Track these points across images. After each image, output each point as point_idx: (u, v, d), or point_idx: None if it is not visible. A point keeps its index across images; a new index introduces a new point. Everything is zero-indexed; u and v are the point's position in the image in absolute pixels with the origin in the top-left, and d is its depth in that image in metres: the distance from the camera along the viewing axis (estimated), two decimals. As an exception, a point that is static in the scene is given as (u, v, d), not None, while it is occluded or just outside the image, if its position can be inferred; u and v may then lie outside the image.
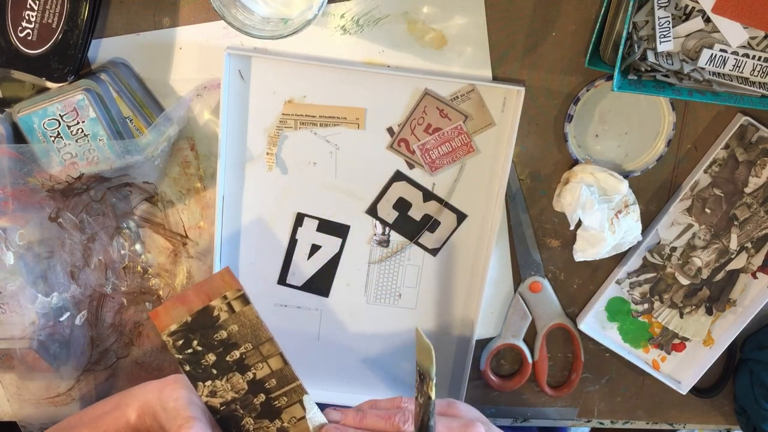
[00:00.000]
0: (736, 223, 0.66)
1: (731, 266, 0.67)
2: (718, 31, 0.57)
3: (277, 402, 0.51)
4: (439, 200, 0.65)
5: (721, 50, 0.57)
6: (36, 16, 0.56)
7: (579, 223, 0.62)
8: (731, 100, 0.58)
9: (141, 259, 0.67)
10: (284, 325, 0.69)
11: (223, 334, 0.50)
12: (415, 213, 0.66)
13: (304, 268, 0.67)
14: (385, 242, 0.67)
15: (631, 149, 0.64)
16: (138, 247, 0.67)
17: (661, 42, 0.57)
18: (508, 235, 0.67)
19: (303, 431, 0.51)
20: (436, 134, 0.63)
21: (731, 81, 0.59)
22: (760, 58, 0.58)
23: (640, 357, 0.71)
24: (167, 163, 0.64)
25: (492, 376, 0.71)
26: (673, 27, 0.57)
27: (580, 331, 0.69)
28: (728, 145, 0.63)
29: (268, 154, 0.63)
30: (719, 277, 0.68)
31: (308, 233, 0.66)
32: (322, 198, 0.65)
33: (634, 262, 0.67)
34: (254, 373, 0.51)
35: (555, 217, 0.67)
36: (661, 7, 0.56)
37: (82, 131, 0.58)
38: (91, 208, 0.64)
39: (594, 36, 0.59)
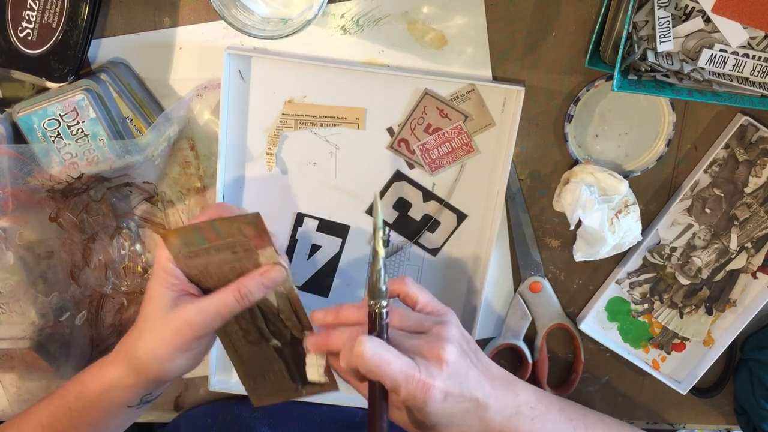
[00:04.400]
0: (736, 223, 0.66)
1: (731, 266, 0.67)
2: (718, 31, 0.57)
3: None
4: (439, 200, 0.65)
5: (721, 50, 0.57)
6: (36, 16, 0.56)
7: (579, 223, 0.62)
8: (731, 100, 0.58)
9: (141, 259, 0.67)
10: (284, 325, 0.69)
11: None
12: (415, 213, 0.66)
13: (304, 268, 0.67)
14: (385, 242, 0.67)
15: (631, 149, 0.64)
16: (138, 247, 0.67)
17: (661, 42, 0.57)
18: (508, 235, 0.67)
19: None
20: (436, 134, 0.63)
21: (731, 81, 0.59)
22: (760, 58, 0.58)
23: (640, 357, 0.71)
24: (167, 163, 0.64)
25: (492, 376, 0.71)
26: (673, 27, 0.57)
27: (580, 331, 0.69)
28: (728, 145, 0.63)
29: (268, 154, 0.63)
30: (719, 277, 0.68)
31: (308, 233, 0.66)
32: (322, 198, 0.65)
33: (634, 262, 0.67)
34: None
35: (555, 217, 0.67)
36: (661, 7, 0.56)
37: (82, 131, 0.58)
38: (91, 208, 0.64)
39: (594, 36, 0.59)
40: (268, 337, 0.57)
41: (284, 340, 0.57)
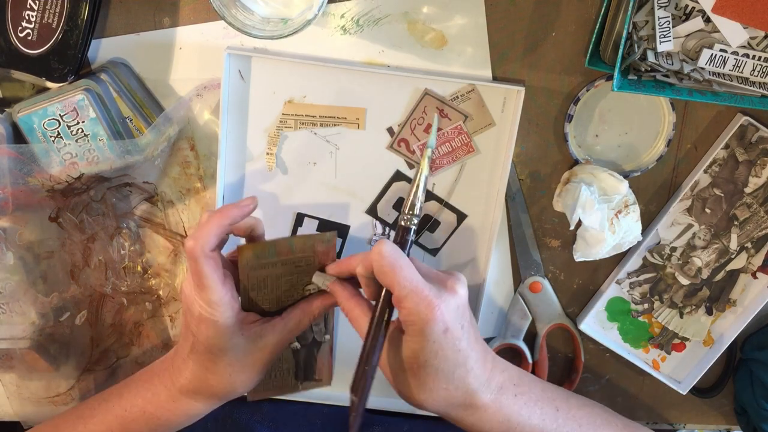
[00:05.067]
0: (736, 223, 0.66)
1: (731, 266, 0.67)
2: (718, 31, 0.57)
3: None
4: (439, 200, 0.65)
5: (721, 50, 0.57)
6: (36, 16, 0.56)
7: (579, 223, 0.62)
8: (731, 100, 0.58)
9: (141, 259, 0.67)
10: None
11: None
12: (415, 213, 0.66)
13: (304, 268, 0.67)
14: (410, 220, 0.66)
15: (631, 149, 0.64)
16: (138, 247, 0.67)
17: (661, 42, 0.57)
18: (508, 235, 0.67)
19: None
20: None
21: (731, 81, 0.59)
22: (760, 58, 0.58)
23: (640, 357, 0.71)
24: (167, 163, 0.64)
25: (492, 376, 0.71)
26: (673, 27, 0.57)
27: (580, 331, 0.69)
28: (728, 145, 0.63)
29: (268, 154, 0.63)
30: (719, 277, 0.68)
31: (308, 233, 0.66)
32: (322, 198, 0.65)
33: (634, 262, 0.67)
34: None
35: (555, 217, 0.67)
36: (661, 7, 0.56)
37: (82, 131, 0.58)
38: (91, 208, 0.64)
39: (594, 36, 0.59)
40: (292, 340, 0.58)
41: (305, 342, 0.59)
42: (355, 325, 0.51)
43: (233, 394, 0.55)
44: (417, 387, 0.49)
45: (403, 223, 0.52)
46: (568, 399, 0.55)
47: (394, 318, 0.50)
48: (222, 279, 0.50)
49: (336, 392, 0.70)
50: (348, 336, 0.69)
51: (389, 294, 0.48)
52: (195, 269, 0.49)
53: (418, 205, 0.52)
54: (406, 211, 0.52)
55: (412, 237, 0.52)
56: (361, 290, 0.52)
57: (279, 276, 0.53)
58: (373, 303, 0.50)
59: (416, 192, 0.52)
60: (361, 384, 0.48)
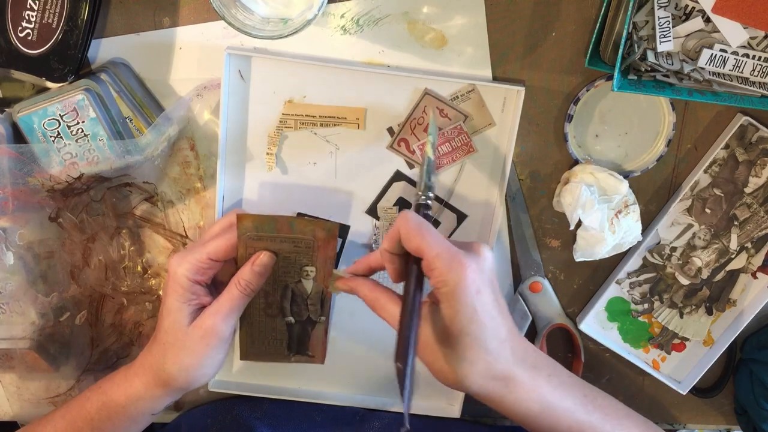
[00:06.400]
0: (736, 223, 0.66)
1: (731, 266, 0.67)
2: (718, 31, 0.57)
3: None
4: (439, 200, 0.65)
5: (721, 50, 0.57)
6: (36, 16, 0.56)
7: (579, 223, 0.62)
8: (731, 100, 0.58)
9: (141, 259, 0.67)
10: (284, 325, 0.69)
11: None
12: (415, 213, 0.66)
13: (304, 268, 0.67)
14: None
15: (631, 149, 0.64)
16: (138, 247, 0.67)
17: (661, 42, 0.57)
18: (508, 235, 0.67)
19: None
20: (436, 134, 0.63)
21: (731, 81, 0.59)
22: (760, 58, 0.58)
23: (640, 357, 0.71)
24: (167, 163, 0.64)
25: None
26: (673, 27, 0.57)
27: (580, 331, 0.69)
28: (728, 145, 0.63)
29: (268, 154, 0.63)
30: (719, 277, 0.68)
31: (308, 233, 0.66)
32: (322, 198, 0.65)
33: (634, 262, 0.67)
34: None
35: (555, 217, 0.67)
36: (661, 7, 0.56)
37: (82, 131, 0.58)
38: (91, 208, 0.64)
39: (594, 36, 0.59)
40: (287, 314, 0.61)
41: (299, 318, 0.61)
42: (382, 314, 0.51)
43: (164, 374, 0.55)
44: (457, 361, 0.47)
45: (420, 201, 0.53)
46: (591, 388, 0.54)
47: (424, 298, 0.50)
48: (221, 253, 0.55)
49: (334, 392, 0.71)
50: (344, 326, 0.69)
51: (419, 260, 0.48)
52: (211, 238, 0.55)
53: (430, 184, 0.53)
54: (422, 191, 0.54)
55: (430, 211, 0.53)
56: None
57: (276, 251, 0.56)
58: (404, 281, 0.50)
59: (427, 172, 0.54)
60: (402, 350, 0.45)
